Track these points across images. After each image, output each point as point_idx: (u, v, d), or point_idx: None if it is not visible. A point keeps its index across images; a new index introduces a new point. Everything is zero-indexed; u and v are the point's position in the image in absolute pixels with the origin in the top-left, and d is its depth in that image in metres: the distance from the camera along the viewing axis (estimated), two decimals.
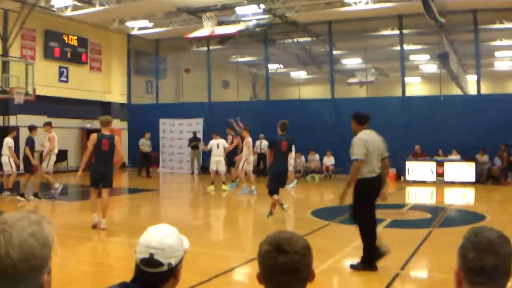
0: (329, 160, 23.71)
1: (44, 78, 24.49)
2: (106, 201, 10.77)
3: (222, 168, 19.10)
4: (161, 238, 2.45)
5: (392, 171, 22.19)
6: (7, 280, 1.53)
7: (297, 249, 2.14)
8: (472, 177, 20.91)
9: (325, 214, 13.43)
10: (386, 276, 7.27)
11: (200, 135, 26.63)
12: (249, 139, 18.05)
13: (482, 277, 1.96)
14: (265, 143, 24.20)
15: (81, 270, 8.00)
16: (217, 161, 18.92)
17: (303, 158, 24.22)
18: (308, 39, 27.92)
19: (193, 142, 25.38)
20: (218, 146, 19.03)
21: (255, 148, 23.46)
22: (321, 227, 11.46)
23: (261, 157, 24.77)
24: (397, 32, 24.52)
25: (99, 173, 10.79)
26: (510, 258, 1.99)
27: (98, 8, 23.31)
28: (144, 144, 25.46)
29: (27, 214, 1.65)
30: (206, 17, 21.73)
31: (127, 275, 2.53)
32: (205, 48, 28.80)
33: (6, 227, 1.57)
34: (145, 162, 25.74)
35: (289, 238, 2.18)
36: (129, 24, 27.00)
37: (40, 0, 21.65)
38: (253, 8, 22.64)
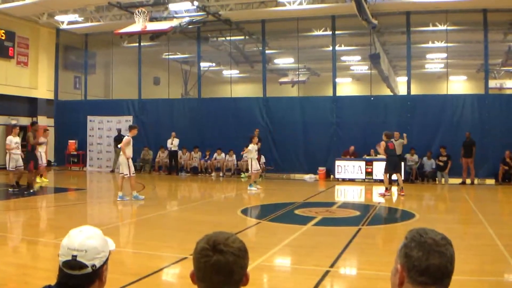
0: (261, 159, 23.76)
1: None
2: None
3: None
4: (84, 239, 2.39)
5: (322, 169, 22.57)
6: None
7: (233, 250, 2.12)
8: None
9: (256, 213, 13.46)
10: (316, 273, 7.32)
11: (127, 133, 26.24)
12: None
13: (426, 277, 1.98)
14: (176, 141, 24.20)
15: (5, 271, 7.71)
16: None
17: (234, 156, 24.23)
18: (241, 37, 27.98)
19: (119, 140, 25.01)
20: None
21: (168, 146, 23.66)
22: (251, 225, 11.45)
23: (172, 154, 24.69)
24: (330, 32, 24.84)
25: None
26: (453, 260, 2.02)
27: (27, 1, 22.59)
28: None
29: None
30: (138, 12, 21.38)
31: (53, 277, 2.43)
32: (136, 44, 28.37)
33: None
34: None
35: (226, 239, 2.16)
36: (58, 18, 26.31)
37: None
38: (186, 5, 22.51)
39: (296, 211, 13.67)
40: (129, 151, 15.69)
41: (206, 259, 2.10)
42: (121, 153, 15.75)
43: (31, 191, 16.94)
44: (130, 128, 16.49)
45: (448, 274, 2.01)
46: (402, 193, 17.37)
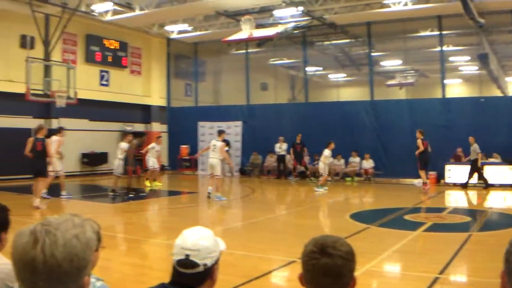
0: (368, 163, 23.51)
1: (86, 82, 24.96)
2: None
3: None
4: (196, 239, 2.50)
5: (433, 173, 21.91)
6: (52, 280, 1.59)
7: (341, 253, 2.16)
8: None
9: (365, 217, 13.34)
10: (425, 280, 7.19)
11: (239, 138, 26.86)
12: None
13: None
14: (284, 145, 24.33)
15: (122, 271, 8.13)
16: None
17: (342, 161, 24.08)
18: (347, 40, 27.74)
19: (228, 144, 25.65)
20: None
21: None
22: (360, 230, 11.37)
23: (280, 159, 24.85)
24: (437, 33, 24.15)
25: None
26: None
27: (138, 12, 23.62)
28: None
29: (71, 217, 1.71)
30: (244, 20, 21.78)
31: (167, 277, 2.59)
32: (244, 51, 28.88)
33: (51, 228, 1.63)
34: None
35: (334, 242, 2.20)
36: (169, 28, 27.28)
37: (81, 5, 22.02)
38: (291, 11, 22.61)
39: (406, 217, 13.40)
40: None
41: (314, 262, 2.15)
42: (216, 156, 16.68)
43: (130, 195, 17.71)
44: (220, 132, 17.34)
45: None
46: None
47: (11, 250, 1.66)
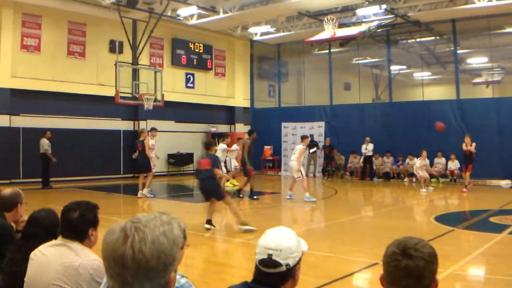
0: (453, 164, 22.85)
1: (172, 85, 25.66)
2: None
3: None
4: (279, 239, 2.54)
5: None
6: (140, 275, 1.66)
7: (423, 255, 2.15)
8: None
9: (450, 220, 13.00)
10: (510, 284, 6.97)
11: (321, 138, 26.76)
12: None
13: None
14: (370, 146, 24.03)
15: (206, 269, 8.30)
16: None
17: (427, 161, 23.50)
18: (432, 38, 27.07)
19: (312, 145, 25.59)
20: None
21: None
22: (444, 233, 11.10)
23: (367, 159, 24.56)
24: None
25: None
26: None
27: (222, 15, 24.01)
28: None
29: (159, 215, 1.79)
30: (327, 20, 21.69)
31: (249, 276, 2.65)
32: (327, 51, 28.75)
33: (140, 226, 1.71)
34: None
35: (416, 243, 2.19)
36: (252, 30, 27.56)
37: (167, 10, 22.60)
38: (374, 9, 22.34)
39: (491, 219, 12.96)
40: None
41: (396, 263, 2.15)
42: (294, 158, 17.03)
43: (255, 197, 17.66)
44: (302, 138, 17.75)
45: None
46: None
47: (101, 246, 1.75)
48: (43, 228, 4.00)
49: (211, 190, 11.41)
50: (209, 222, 11.44)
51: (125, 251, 1.65)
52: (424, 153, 20.36)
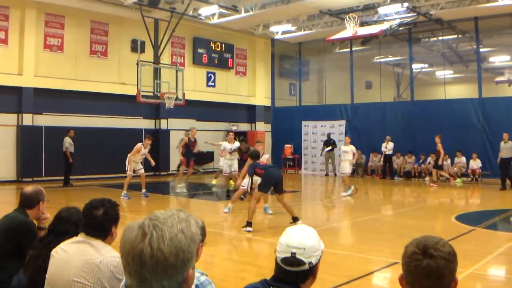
0: (475, 163, 22.62)
1: (193, 84, 25.75)
2: None
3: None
4: (302, 238, 2.57)
5: None
6: (158, 272, 1.69)
7: (443, 254, 2.14)
8: None
9: (471, 219, 12.90)
10: None
11: (342, 137, 26.67)
12: None
13: None
14: (390, 145, 23.87)
15: (225, 267, 8.33)
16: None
17: (449, 161, 23.30)
18: (454, 36, 26.84)
19: (328, 144, 25.61)
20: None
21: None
22: (465, 232, 11.02)
23: (386, 158, 24.43)
24: None
25: None
26: None
27: (243, 14, 24.04)
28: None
29: (176, 212, 1.80)
30: (348, 18, 21.62)
31: (268, 274, 2.66)
32: (348, 50, 28.65)
33: (157, 223, 1.73)
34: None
35: (436, 243, 2.18)
36: (273, 28, 27.53)
37: (188, 9, 22.69)
38: (396, 7, 22.22)
39: None
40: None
41: (416, 263, 2.14)
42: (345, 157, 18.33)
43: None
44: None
45: None
46: None
47: (120, 243, 1.77)
48: (73, 225, 4.07)
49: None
50: (250, 224, 11.06)
51: (144, 248, 1.67)
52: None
